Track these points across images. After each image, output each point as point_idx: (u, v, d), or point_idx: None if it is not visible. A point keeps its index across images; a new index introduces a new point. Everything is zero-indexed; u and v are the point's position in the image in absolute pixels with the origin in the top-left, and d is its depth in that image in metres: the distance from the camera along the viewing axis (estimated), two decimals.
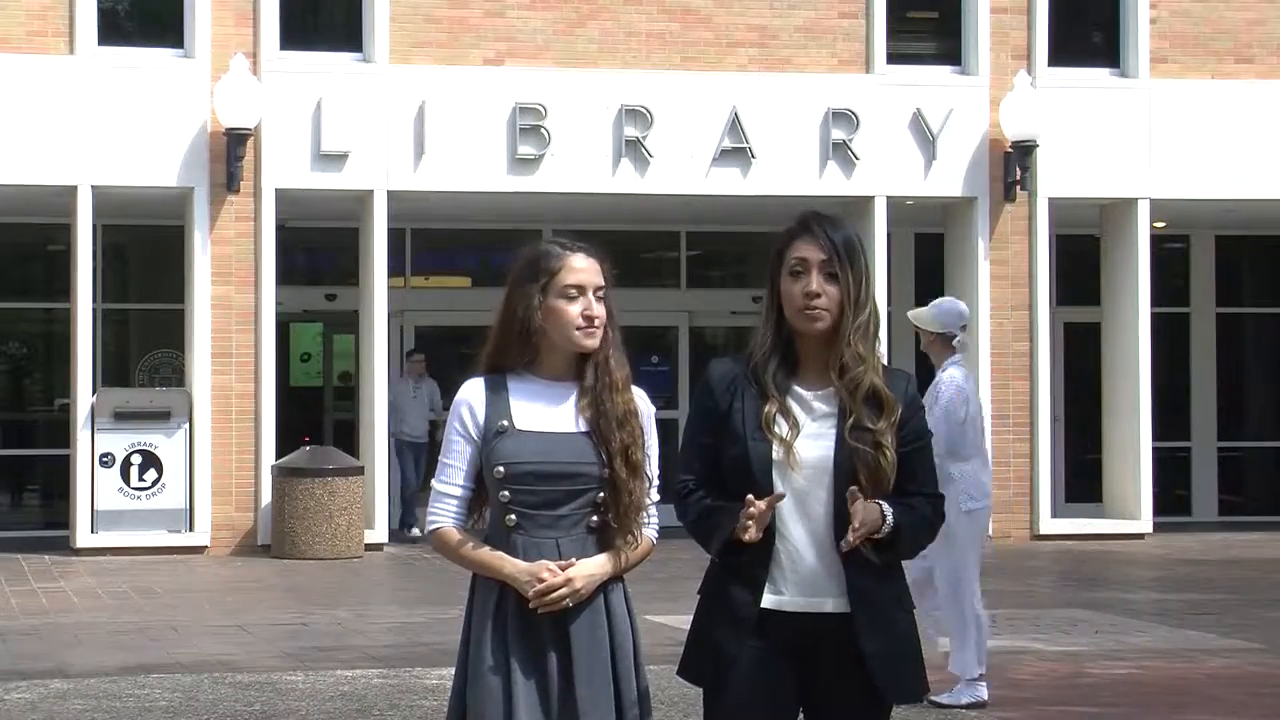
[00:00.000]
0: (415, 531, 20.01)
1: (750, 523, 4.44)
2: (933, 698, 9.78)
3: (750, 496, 4.46)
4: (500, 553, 4.61)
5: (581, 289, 4.63)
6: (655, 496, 4.73)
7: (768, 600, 4.56)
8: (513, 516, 4.61)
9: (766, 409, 4.56)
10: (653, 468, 4.70)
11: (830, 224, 4.63)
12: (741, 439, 4.57)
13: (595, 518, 4.62)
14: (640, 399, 4.72)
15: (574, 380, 4.67)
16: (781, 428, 4.55)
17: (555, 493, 4.60)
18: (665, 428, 4.83)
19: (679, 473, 4.68)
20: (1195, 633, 13.33)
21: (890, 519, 4.51)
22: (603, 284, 4.66)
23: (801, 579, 4.53)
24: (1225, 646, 12.63)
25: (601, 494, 4.61)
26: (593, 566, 4.60)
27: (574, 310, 4.62)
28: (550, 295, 4.64)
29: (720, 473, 4.61)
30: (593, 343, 4.63)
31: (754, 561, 4.53)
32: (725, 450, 4.60)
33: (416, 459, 20.73)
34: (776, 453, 4.55)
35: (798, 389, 4.62)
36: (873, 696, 4.59)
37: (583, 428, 4.62)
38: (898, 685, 4.61)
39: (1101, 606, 14.86)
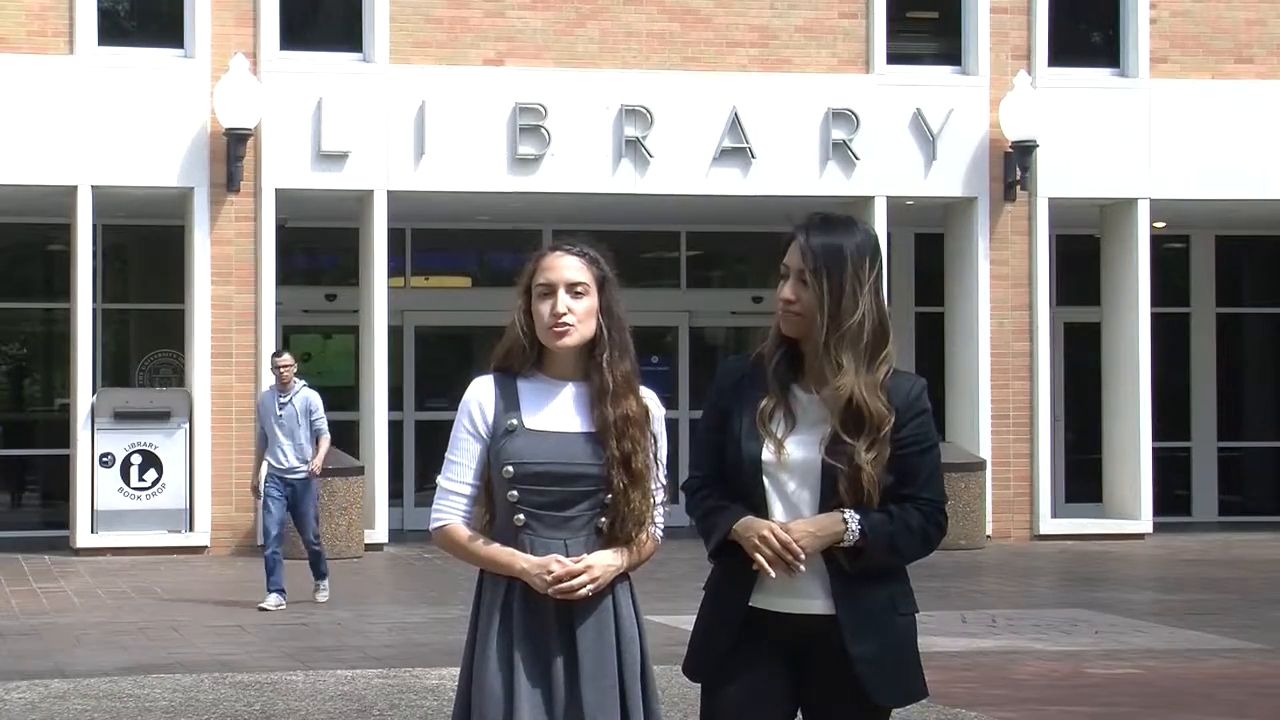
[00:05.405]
0: (263, 605, 14.69)
1: (765, 562, 4.47)
2: None
3: (766, 534, 4.47)
4: (512, 549, 4.59)
5: (552, 286, 4.57)
6: (663, 497, 4.71)
7: (756, 600, 4.57)
8: (521, 516, 4.59)
9: (764, 404, 4.57)
10: (662, 473, 4.69)
11: (822, 230, 4.57)
12: (737, 437, 4.58)
13: (604, 519, 4.60)
14: (651, 401, 4.69)
15: (582, 380, 4.64)
16: (777, 425, 4.56)
17: (564, 493, 4.57)
18: (667, 428, 4.82)
19: (690, 468, 4.72)
20: (1195, 633, 13.33)
21: (854, 527, 4.51)
22: (581, 280, 4.57)
23: (788, 580, 4.52)
24: (1226, 646, 12.63)
25: (609, 496, 4.59)
26: (608, 557, 4.59)
27: (545, 309, 4.58)
28: (532, 296, 4.62)
29: (725, 469, 4.63)
30: (565, 341, 4.57)
31: (745, 561, 4.54)
32: (725, 447, 4.61)
33: (294, 499, 14.96)
34: (767, 452, 4.55)
35: (798, 390, 4.61)
36: (867, 698, 4.58)
37: (590, 429, 4.60)
38: (888, 688, 4.58)
39: (1101, 606, 14.85)
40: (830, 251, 4.53)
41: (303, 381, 15.33)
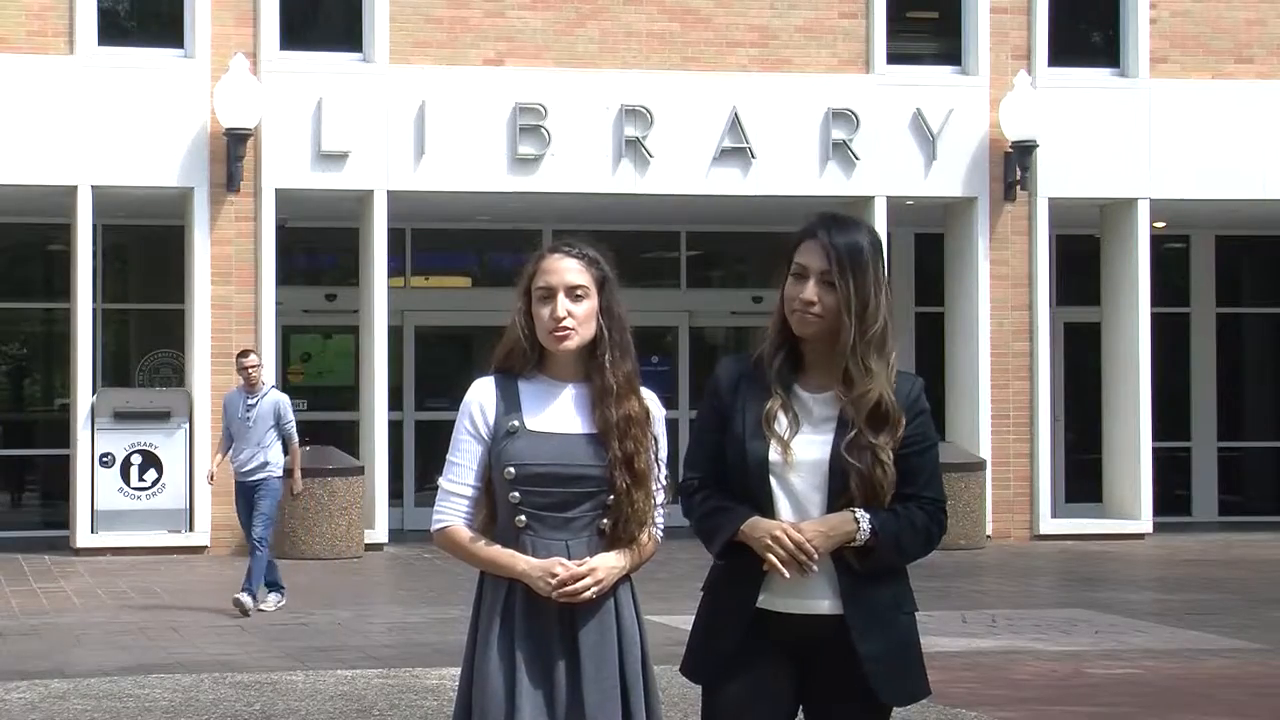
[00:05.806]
0: (262, 605, 14.53)
1: (779, 562, 4.46)
2: None
3: (779, 534, 4.46)
4: (513, 551, 4.58)
5: (551, 290, 4.56)
6: (663, 498, 4.70)
7: (764, 600, 4.56)
8: (522, 518, 4.58)
9: (769, 405, 4.55)
10: (662, 473, 4.68)
11: (840, 230, 4.54)
12: (740, 438, 4.56)
13: (605, 520, 4.59)
14: (651, 402, 4.68)
15: (584, 381, 4.63)
16: (781, 425, 4.54)
17: (566, 494, 4.56)
18: (667, 428, 4.81)
19: (685, 469, 4.69)
20: (1195, 633, 13.33)
21: (865, 526, 4.50)
22: (581, 283, 4.56)
23: (796, 580, 4.52)
24: (1226, 646, 12.63)
25: (611, 497, 4.58)
26: (612, 559, 4.58)
27: (545, 312, 4.57)
28: (532, 298, 4.61)
29: (725, 469, 4.60)
30: (566, 345, 4.57)
31: (752, 562, 4.53)
32: (726, 448, 4.59)
33: (251, 504, 14.65)
34: (774, 452, 4.54)
35: (799, 390, 4.60)
36: (872, 697, 4.58)
37: (592, 430, 4.59)
38: (895, 687, 4.59)
39: (1101, 606, 14.86)
40: (854, 252, 4.52)
41: (271, 383, 15.17)
